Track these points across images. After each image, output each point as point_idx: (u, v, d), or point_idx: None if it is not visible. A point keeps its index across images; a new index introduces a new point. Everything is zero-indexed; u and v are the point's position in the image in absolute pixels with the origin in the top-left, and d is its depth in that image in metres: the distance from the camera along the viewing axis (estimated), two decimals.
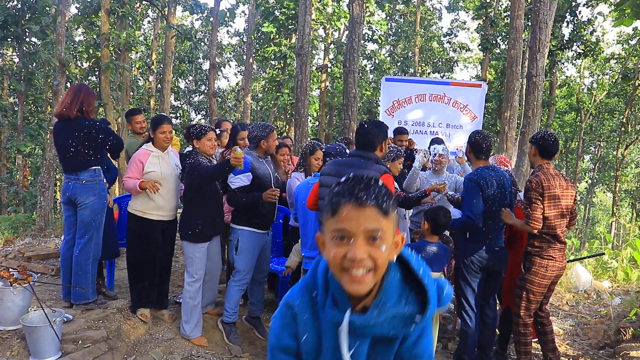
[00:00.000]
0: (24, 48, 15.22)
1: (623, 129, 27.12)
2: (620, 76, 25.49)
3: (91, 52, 18.15)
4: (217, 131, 6.28)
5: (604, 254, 9.01)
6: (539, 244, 4.49)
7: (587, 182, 32.80)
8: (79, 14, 14.76)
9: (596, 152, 32.50)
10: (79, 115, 4.97)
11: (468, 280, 4.73)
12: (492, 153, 4.90)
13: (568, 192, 4.48)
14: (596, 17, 23.69)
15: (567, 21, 21.05)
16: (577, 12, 20.99)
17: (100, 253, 5.24)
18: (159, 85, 24.81)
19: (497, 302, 5.30)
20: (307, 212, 4.36)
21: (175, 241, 5.50)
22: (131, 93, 23.52)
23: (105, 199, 5.17)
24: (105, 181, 5.21)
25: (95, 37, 17.52)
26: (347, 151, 4.80)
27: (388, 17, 28.15)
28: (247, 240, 5.01)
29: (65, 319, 4.56)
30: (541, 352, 4.92)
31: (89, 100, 5.06)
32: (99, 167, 5.14)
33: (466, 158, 5.94)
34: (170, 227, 5.25)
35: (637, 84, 24.64)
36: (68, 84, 15.31)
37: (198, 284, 5.06)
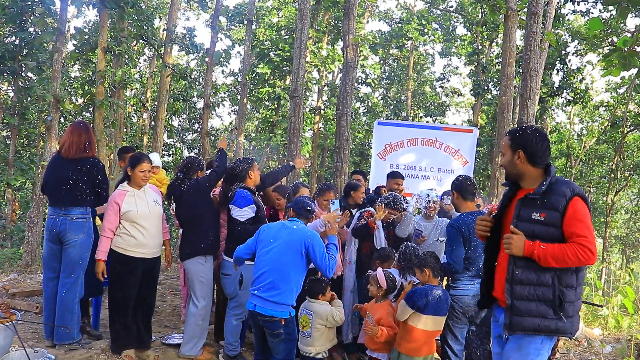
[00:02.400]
0: (20, 83, 15.27)
1: (612, 175, 27.35)
2: (609, 123, 25.84)
3: (86, 88, 18.26)
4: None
5: (602, 306, 8.96)
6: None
7: None
8: (76, 50, 14.87)
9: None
10: (88, 153, 5.01)
11: (450, 326, 4.70)
12: (483, 197, 4.96)
13: None
14: (585, 65, 24.23)
15: (557, 69, 21.42)
16: (567, 60, 21.39)
17: (84, 291, 5.19)
18: (153, 123, 24.89)
19: None
20: (264, 254, 4.35)
21: (159, 280, 5.48)
22: (124, 130, 23.57)
23: (92, 237, 5.15)
24: (92, 220, 5.19)
25: (91, 74, 17.66)
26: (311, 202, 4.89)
27: (381, 61, 28.56)
28: (249, 273, 5.00)
29: (47, 359, 4.46)
30: None
31: (94, 139, 5.13)
32: (90, 206, 5.13)
33: (450, 204, 6.01)
34: (154, 265, 5.21)
35: (625, 132, 24.97)
36: (62, 120, 15.38)
37: (208, 305, 5.30)
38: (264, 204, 5.58)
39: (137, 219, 4.94)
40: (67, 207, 4.96)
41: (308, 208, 4.61)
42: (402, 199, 5.89)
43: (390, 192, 6.14)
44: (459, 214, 4.77)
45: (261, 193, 5.59)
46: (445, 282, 5.26)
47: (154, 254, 5.15)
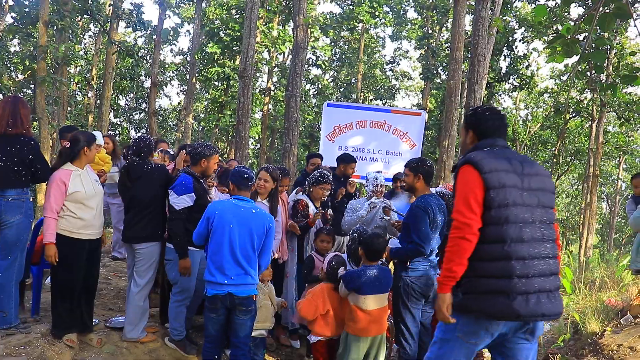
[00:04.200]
0: None
1: (555, 160, 28.17)
2: (552, 110, 26.54)
3: (27, 64, 17.57)
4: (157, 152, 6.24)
5: None
6: None
7: None
8: (15, 24, 14.28)
9: None
10: (13, 130, 4.76)
11: (408, 307, 4.76)
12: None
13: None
14: (531, 52, 24.69)
15: (504, 55, 21.84)
16: (514, 47, 21.82)
17: (22, 274, 5.02)
18: (98, 102, 24.26)
19: None
20: (233, 239, 4.31)
21: (104, 263, 5.36)
22: (68, 108, 22.90)
23: (31, 217, 4.97)
24: (31, 199, 5.00)
25: (31, 48, 16.99)
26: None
27: (332, 43, 28.51)
28: (192, 259, 5.00)
29: None
30: None
31: (26, 114, 4.86)
32: (28, 186, 4.94)
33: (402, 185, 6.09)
34: (97, 246, 5.08)
35: (567, 118, 25.71)
36: (0, 96, 14.77)
37: (149, 285, 5.23)
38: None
39: (85, 200, 4.78)
40: (2, 189, 4.75)
41: (245, 176, 4.51)
42: (327, 173, 6.04)
43: (317, 170, 6.21)
44: (421, 195, 4.80)
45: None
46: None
47: (98, 235, 5.01)
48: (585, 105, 23.87)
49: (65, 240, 4.74)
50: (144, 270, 5.18)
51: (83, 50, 27.67)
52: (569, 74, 24.12)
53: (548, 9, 18.86)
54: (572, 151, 29.42)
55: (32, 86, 17.73)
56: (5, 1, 16.11)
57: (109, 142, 7.53)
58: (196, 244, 4.56)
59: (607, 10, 4.49)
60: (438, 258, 4.83)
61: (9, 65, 20.08)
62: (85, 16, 17.87)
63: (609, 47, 16.94)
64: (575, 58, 5.03)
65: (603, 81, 19.46)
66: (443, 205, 4.83)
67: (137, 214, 5.17)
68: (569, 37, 5.34)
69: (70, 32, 15.19)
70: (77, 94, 28.15)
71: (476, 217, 3.00)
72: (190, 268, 4.96)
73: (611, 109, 22.38)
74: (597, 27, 4.41)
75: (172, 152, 7.42)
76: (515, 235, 2.96)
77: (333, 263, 5.02)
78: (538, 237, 3.01)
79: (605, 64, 17.38)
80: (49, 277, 6.46)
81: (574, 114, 25.47)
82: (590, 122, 23.69)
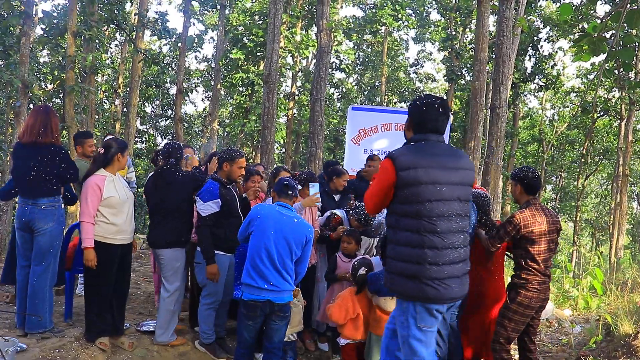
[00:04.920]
0: None
1: (583, 160, 27.82)
2: (579, 109, 26.21)
3: (56, 73, 17.91)
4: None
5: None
6: (525, 276, 4.53)
7: None
8: (45, 35, 14.56)
9: (558, 182, 33.21)
10: (44, 139, 4.88)
11: None
12: None
13: (554, 226, 4.57)
14: (557, 51, 24.45)
15: (529, 55, 21.65)
16: (539, 46, 21.62)
17: (56, 280, 5.13)
18: (125, 109, 24.60)
19: None
20: (273, 245, 4.32)
21: (133, 268, 5.44)
22: (96, 116, 23.24)
23: (63, 224, 5.08)
24: (63, 206, 5.11)
25: (60, 59, 17.31)
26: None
27: (356, 47, 28.52)
28: (220, 263, 5.03)
29: (18, 348, 4.41)
30: None
31: (57, 124, 4.97)
32: (59, 193, 5.04)
33: None
34: (128, 251, 5.16)
35: (595, 117, 25.37)
36: (31, 106, 15.06)
37: (180, 290, 5.30)
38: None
39: (118, 205, 4.87)
40: (35, 198, 4.86)
41: (285, 183, 4.53)
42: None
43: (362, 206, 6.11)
44: None
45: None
46: None
47: (128, 240, 5.09)
48: (613, 104, 23.53)
49: (99, 246, 4.82)
50: (170, 276, 5.24)
51: (110, 59, 28.07)
52: (596, 72, 23.80)
53: (573, 7, 18.66)
54: (601, 150, 29.03)
55: (61, 95, 18.00)
56: (35, 13, 16.44)
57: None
58: (239, 240, 4.59)
59: (635, 7, 4.44)
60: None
61: (38, 75, 20.48)
62: (111, 26, 18.15)
63: (637, 44, 16.70)
64: (602, 56, 4.98)
65: (632, 79, 19.18)
66: (474, 206, 4.82)
67: (161, 219, 5.22)
68: (595, 35, 5.30)
69: (97, 41, 15.45)
70: (105, 102, 28.55)
71: (377, 207, 3.49)
72: (218, 273, 5.00)
73: None
74: (625, 25, 4.37)
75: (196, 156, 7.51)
76: (429, 228, 3.25)
77: (355, 264, 5.04)
78: (452, 229, 3.30)
79: (634, 62, 17.14)
80: (80, 284, 6.60)
81: (602, 113, 25.13)
82: (619, 121, 23.33)
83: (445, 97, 28.78)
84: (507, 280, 4.96)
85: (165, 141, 31.26)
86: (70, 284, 5.83)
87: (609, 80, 20.75)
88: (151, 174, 5.50)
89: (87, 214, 4.73)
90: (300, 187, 5.60)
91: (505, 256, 5.33)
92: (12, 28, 14.90)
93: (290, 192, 4.52)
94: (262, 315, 4.35)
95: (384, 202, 3.42)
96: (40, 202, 4.86)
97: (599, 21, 4.88)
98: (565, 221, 36.89)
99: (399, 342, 3.53)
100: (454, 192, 3.31)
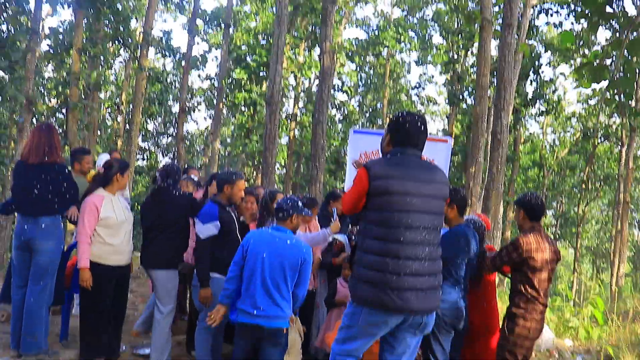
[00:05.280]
0: None
1: (584, 186, 27.80)
2: (580, 135, 26.27)
3: (60, 89, 18.00)
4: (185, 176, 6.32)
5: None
6: (524, 306, 4.44)
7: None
8: (50, 51, 14.66)
9: (558, 208, 33.16)
10: (50, 159, 4.87)
11: (439, 339, 4.68)
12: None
13: (555, 255, 4.52)
14: (558, 76, 24.60)
15: (530, 80, 21.76)
16: (540, 71, 21.74)
17: (52, 300, 5.08)
18: (127, 126, 24.66)
19: None
20: (265, 269, 4.27)
21: (131, 289, 5.41)
22: (98, 132, 23.31)
23: (62, 243, 5.05)
24: (62, 225, 5.09)
25: (65, 75, 17.41)
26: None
27: (358, 68, 28.68)
28: (217, 286, 4.94)
29: None
30: None
31: (59, 142, 4.98)
32: (60, 212, 5.02)
33: None
34: (126, 272, 5.13)
35: (596, 143, 25.41)
36: (34, 121, 15.12)
37: (173, 310, 5.25)
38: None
39: (115, 226, 4.85)
40: (35, 216, 4.84)
41: (277, 207, 4.50)
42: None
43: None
44: (457, 224, 4.76)
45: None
46: None
47: (127, 261, 5.06)
48: (614, 130, 23.58)
49: (95, 267, 4.78)
50: (163, 297, 5.16)
51: (113, 75, 28.22)
52: (597, 97, 23.91)
53: (574, 33, 18.78)
54: (602, 177, 29.02)
55: (64, 111, 18.09)
56: (42, 29, 16.56)
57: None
58: (230, 272, 4.51)
59: (636, 35, 4.45)
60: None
61: (43, 90, 20.57)
62: (116, 43, 18.27)
63: (638, 72, 16.77)
64: (603, 83, 4.98)
65: (633, 106, 19.22)
66: (476, 234, 4.78)
67: (155, 239, 5.14)
68: (596, 62, 5.32)
69: (102, 58, 15.55)
70: (107, 119, 28.65)
71: (350, 211, 3.60)
72: (211, 297, 4.93)
73: None
74: (626, 53, 4.38)
75: (196, 179, 7.48)
76: (394, 237, 3.30)
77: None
78: (417, 241, 3.34)
79: (634, 90, 17.21)
80: (76, 304, 6.54)
81: (602, 139, 25.17)
82: (619, 147, 23.35)
83: (447, 119, 28.88)
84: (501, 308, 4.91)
85: (166, 159, 31.35)
86: (67, 304, 5.79)
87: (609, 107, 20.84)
88: (149, 192, 5.50)
89: (84, 234, 4.71)
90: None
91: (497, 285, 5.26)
92: (18, 43, 15.01)
93: (280, 214, 4.45)
94: (252, 339, 4.29)
95: (356, 208, 3.53)
96: (41, 221, 4.83)
97: (599, 48, 4.90)
98: (566, 247, 36.77)
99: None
100: (425, 204, 3.37)
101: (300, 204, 4.45)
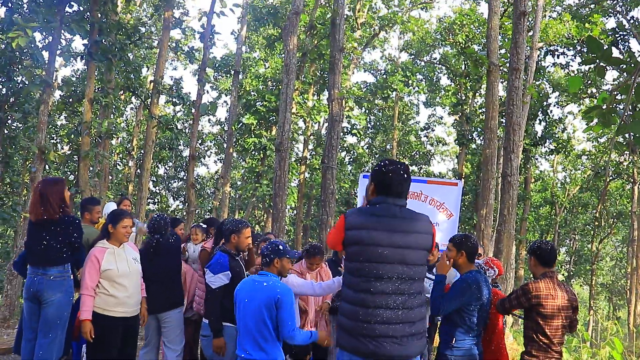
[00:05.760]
0: (5, 131, 15.23)
1: (597, 223, 27.60)
2: (592, 172, 26.20)
3: (72, 137, 18.23)
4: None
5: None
6: (536, 353, 4.41)
7: (563, 274, 32.98)
8: (62, 101, 14.91)
9: (571, 245, 32.86)
10: (49, 217, 4.90)
11: None
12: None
13: (570, 303, 4.47)
14: (566, 115, 24.64)
15: (539, 119, 21.82)
16: (549, 111, 21.80)
17: (62, 353, 5.05)
18: (138, 171, 24.85)
19: None
20: (247, 314, 4.27)
21: (142, 336, 5.44)
22: (110, 177, 23.50)
23: (71, 295, 5.01)
24: (72, 277, 5.06)
25: (76, 124, 17.64)
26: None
27: (367, 111, 28.91)
28: (230, 336, 4.93)
29: None
30: None
31: (58, 196, 4.98)
32: (69, 263, 5.02)
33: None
34: (134, 324, 5.10)
35: (608, 180, 25.31)
36: (47, 168, 15.32)
37: (182, 348, 5.58)
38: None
39: (117, 278, 4.85)
40: (45, 267, 4.86)
41: (260, 252, 4.54)
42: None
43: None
44: (469, 271, 4.74)
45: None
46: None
47: (133, 312, 5.05)
48: (625, 167, 23.51)
49: (99, 318, 4.78)
50: (176, 336, 5.46)
51: (124, 122, 28.58)
52: (606, 136, 23.91)
53: (582, 74, 18.90)
54: (614, 213, 28.82)
55: (75, 158, 18.28)
56: (55, 79, 16.87)
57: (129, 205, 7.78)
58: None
59: None
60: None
61: (55, 138, 20.84)
62: (127, 91, 18.56)
63: None
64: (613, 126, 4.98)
65: None
66: (488, 280, 4.75)
67: (160, 285, 5.40)
68: (604, 107, 5.33)
69: (113, 107, 15.77)
70: (118, 164, 28.91)
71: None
72: (224, 347, 4.93)
73: None
74: (634, 96, 4.39)
75: (204, 226, 7.50)
76: (364, 287, 3.36)
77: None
78: (389, 291, 3.35)
79: None
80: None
81: (614, 176, 25.08)
82: (631, 184, 23.25)
83: (456, 159, 28.86)
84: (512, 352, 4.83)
85: (177, 204, 31.42)
86: (77, 356, 5.75)
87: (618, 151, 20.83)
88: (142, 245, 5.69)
89: (85, 286, 4.75)
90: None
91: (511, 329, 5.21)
92: (32, 93, 15.31)
93: (263, 260, 4.44)
94: None
95: (336, 248, 3.71)
96: (50, 272, 4.85)
97: (608, 92, 4.93)
98: (581, 285, 36.27)
99: None
100: (397, 255, 3.37)
101: (281, 247, 4.45)
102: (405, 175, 3.54)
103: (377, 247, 3.36)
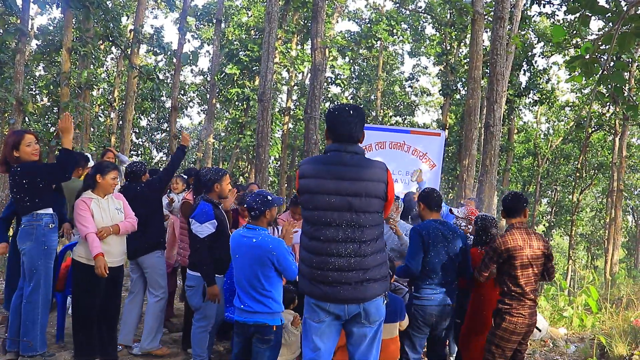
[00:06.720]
0: None
1: (578, 174, 27.90)
2: (574, 123, 26.32)
3: (51, 88, 17.91)
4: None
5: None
6: (509, 302, 4.48)
7: (544, 225, 33.52)
8: (40, 51, 14.57)
9: (553, 196, 33.27)
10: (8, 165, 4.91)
11: (410, 336, 4.71)
12: (450, 197, 4.97)
13: (541, 251, 4.52)
14: (551, 66, 24.56)
15: (524, 70, 21.73)
16: (534, 61, 21.71)
17: (50, 301, 5.07)
18: (120, 123, 24.57)
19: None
20: (238, 269, 4.31)
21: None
22: (91, 129, 23.23)
23: (44, 244, 4.87)
24: (51, 225, 4.96)
25: (55, 74, 17.31)
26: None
27: (351, 61, 28.62)
28: (217, 285, 5.01)
29: None
30: None
31: (6, 147, 4.95)
32: (41, 211, 4.91)
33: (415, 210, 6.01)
34: (117, 274, 5.13)
35: (590, 132, 25.47)
36: (26, 120, 15.07)
37: (165, 294, 5.68)
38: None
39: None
40: (19, 217, 4.95)
41: (246, 206, 4.51)
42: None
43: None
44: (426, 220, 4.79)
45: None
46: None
47: (118, 263, 5.07)
48: (607, 119, 23.63)
49: (83, 268, 4.84)
50: (156, 281, 5.53)
51: (105, 73, 28.08)
52: (590, 87, 23.96)
53: (567, 24, 18.77)
54: (595, 165, 29.12)
55: (55, 110, 18.00)
56: (31, 27, 16.44)
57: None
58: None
59: (627, 30, 4.44)
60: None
61: (34, 89, 20.45)
62: (106, 41, 18.18)
63: (630, 60, 16.79)
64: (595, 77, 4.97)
65: (625, 95, 19.25)
66: (456, 229, 4.80)
67: (137, 230, 5.39)
68: (587, 56, 5.31)
69: (92, 57, 15.46)
70: (100, 116, 28.54)
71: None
72: (219, 294, 4.98)
73: (634, 122, 22.11)
74: (617, 46, 4.37)
75: (185, 176, 7.53)
76: (315, 234, 3.44)
77: None
78: (339, 238, 3.39)
79: (625, 84, 17.22)
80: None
81: (596, 128, 25.23)
82: (613, 136, 23.42)
83: (441, 110, 28.85)
84: None
85: (160, 155, 31.25)
86: (61, 306, 5.79)
87: (599, 102, 20.89)
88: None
89: (84, 229, 4.78)
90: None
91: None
92: (7, 42, 14.92)
93: (252, 213, 4.38)
94: (245, 335, 4.32)
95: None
96: (22, 222, 4.86)
97: (591, 42, 4.90)
98: (561, 235, 36.89)
99: None
100: (344, 202, 3.38)
101: (269, 197, 4.43)
102: (353, 116, 3.47)
103: (325, 195, 3.40)
